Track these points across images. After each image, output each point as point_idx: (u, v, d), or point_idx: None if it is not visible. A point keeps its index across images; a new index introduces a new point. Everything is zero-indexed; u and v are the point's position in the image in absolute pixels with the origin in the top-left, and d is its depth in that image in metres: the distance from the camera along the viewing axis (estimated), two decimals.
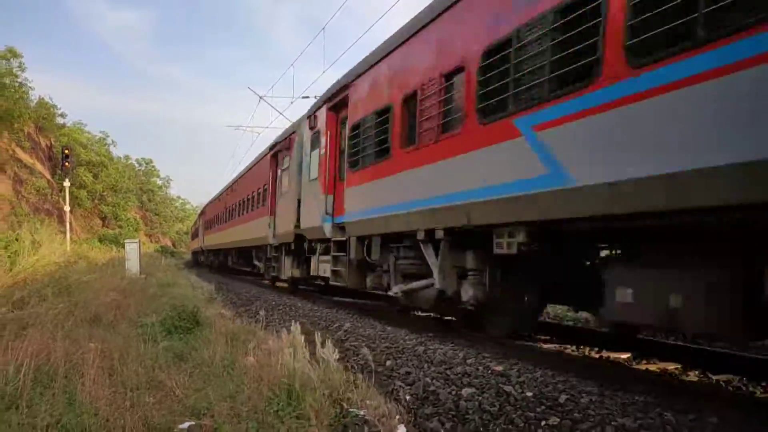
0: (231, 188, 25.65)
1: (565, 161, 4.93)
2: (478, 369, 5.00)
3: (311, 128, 12.31)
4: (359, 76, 9.80)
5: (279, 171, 15.43)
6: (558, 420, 3.72)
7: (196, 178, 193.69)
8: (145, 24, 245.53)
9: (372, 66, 9.30)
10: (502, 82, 5.79)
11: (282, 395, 4.19)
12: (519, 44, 5.53)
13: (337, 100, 10.91)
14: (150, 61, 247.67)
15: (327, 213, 10.86)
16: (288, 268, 14.20)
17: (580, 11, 4.79)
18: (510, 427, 3.78)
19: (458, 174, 6.63)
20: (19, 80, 37.91)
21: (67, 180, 21.64)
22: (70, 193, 25.37)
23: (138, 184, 71.22)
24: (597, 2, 4.62)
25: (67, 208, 22.21)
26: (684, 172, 3.86)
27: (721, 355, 6.30)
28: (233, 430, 3.67)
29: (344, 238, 10.00)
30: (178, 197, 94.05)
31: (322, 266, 11.32)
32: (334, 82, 11.26)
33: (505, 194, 5.73)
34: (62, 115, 48.12)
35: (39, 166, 38.21)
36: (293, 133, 14.08)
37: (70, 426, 3.58)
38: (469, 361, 5.30)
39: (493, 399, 4.21)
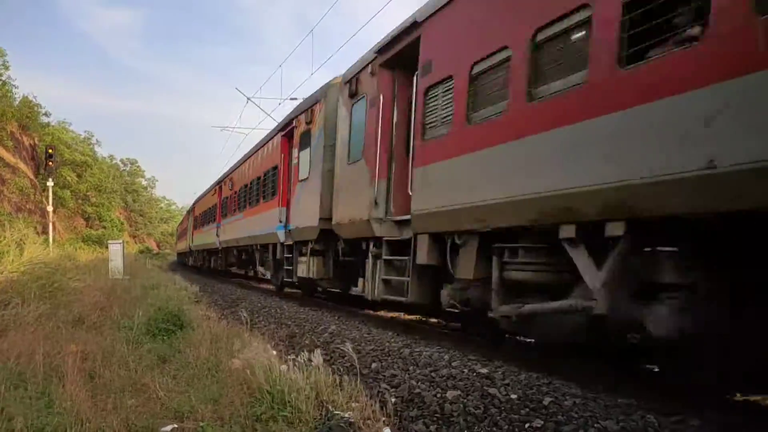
0: (182, 222, 46.71)
1: None
2: (463, 371, 5.01)
3: (190, 211, 31.60)
4: (200, 199, 30.83)
5: (188, 220, 35.40)
6: (542, 422, 3.73)
7: (182, 179, 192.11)
8: (134, 22, 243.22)
9: (204, 194, 29.11)
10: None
11: (266, 398, 4.16)
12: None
13: (194, 205, 31.03)
14: (139, 59, 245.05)
15: (193, 243, 31.87)
16: (192, 260, 33.60)
17: None
18: (494, 429, 3.79)
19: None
20: (2, 78, 37.46)
21: (50, 180, 21.37)
22: (54, 193, 25.04)
23: (122, 184, 70.58)
24: None
25: (50, 208, 21.93)
26: None
27: None
28: None
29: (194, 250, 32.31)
30: (164, 198, 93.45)
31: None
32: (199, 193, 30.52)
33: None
34: (46, 114, 47.64)
35: (22, 166, 37.68)
36: (189, 209, 35.11)
37: (48, 429, 3.52)
38: (454, 364, 5.31)
39: (477, 401, 4.22)
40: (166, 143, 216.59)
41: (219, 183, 23.18)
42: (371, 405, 4.22)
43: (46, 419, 3.61)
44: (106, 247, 19.21)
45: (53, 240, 19.98)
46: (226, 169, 23.54)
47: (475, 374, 4.90)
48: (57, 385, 4.34)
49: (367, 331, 7.70)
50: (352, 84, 9.27)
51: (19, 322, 6.70)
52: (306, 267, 11.07)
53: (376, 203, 8.15)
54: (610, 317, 4.54)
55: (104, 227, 49.34)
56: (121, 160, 77.63)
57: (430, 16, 7.01)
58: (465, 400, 4.26)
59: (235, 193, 19.02)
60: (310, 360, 4.80)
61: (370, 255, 8.48)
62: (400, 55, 7.93)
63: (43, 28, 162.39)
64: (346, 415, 3.98)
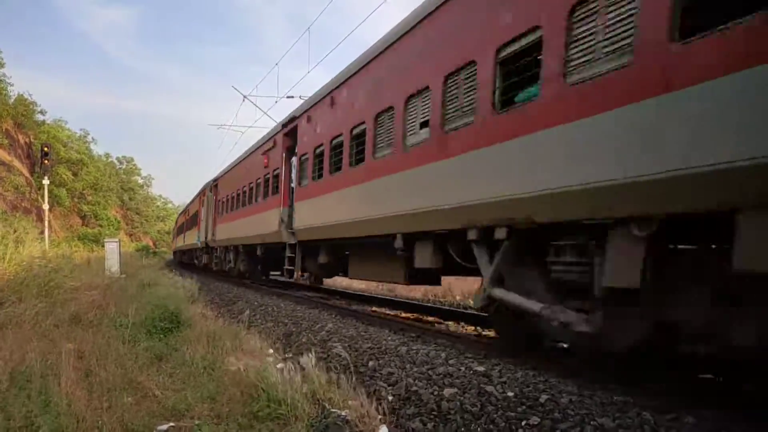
0: (174, 227, 53.77)
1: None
2: (460, 369, 5.02)
3: (176, 221, 50.37)
4: (179, 215, 45.88)
5: (175, 228, 47.95)
6: (539, 420, 3.74)
7: (179, 177, 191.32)
8: (132, 21, 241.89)
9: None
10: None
11: (263, 396, 4.16)
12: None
13: (178, 217, 46.77)
14: (138, 59, 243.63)
15: (176, 245, 42.98)
16: (177, 257, 41.15)
17: None
18: (491, 426, 3.80)
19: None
20: None
21: (46, 178, 21.21)
22: (50, 191, 24.93)
23: (119, 182, 70.35)
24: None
25: (45, 206, 21.81)
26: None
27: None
28: (213, 431, 3.64)
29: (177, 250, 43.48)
30: (160, 196, 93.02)
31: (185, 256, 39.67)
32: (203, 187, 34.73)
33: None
34: (42, 112, 47.46)
35: (17, 164, 37.56)
36: (176, 219, 54.01)
37: (44, 428, 3.51)
38: (451, 362, 5.32)
39: (474, 399, 4.23)
40: (162, 141, 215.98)
41: (185, 210, 38.16)
42: (368, 403, 4.23)
43: (43, 418, 3.60)
44: (103, 246, 19.16)
45: (49, 239, 19.90)
46: (219, 173, 31.97)
47: (471, 372, 4.91)
48: (54, 383, 4.33)
49: (363, 329, 7.70)
50: (208, 188, 24.19)
51: (16, 321, 6.69)
52: (204, 258, 25.58)
53: (213, 234, 21.91)
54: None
55: (100, 226, 49.25)
56: (117, 158, 77.41)
57: (217, 179, 22.69)
58: (462, 398, 4.27)
59: (190, 217, 33.16)
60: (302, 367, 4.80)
61: (213, 254, 22.92)
62: (215, 186, 22.70)
63: (43, 28, 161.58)
64: (343, 413, 3.99)
